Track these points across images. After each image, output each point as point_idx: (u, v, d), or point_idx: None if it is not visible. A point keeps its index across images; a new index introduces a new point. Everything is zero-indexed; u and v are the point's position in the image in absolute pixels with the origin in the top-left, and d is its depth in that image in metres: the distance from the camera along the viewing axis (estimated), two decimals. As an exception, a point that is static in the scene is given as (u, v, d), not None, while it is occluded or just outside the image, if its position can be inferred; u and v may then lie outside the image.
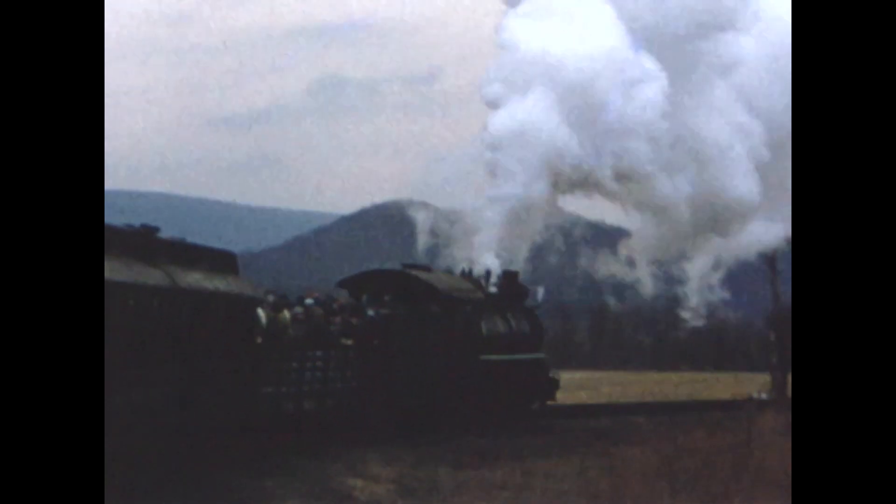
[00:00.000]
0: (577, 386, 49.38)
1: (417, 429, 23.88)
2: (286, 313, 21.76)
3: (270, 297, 21.76)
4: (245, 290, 19.29)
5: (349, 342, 23.64)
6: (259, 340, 20.05)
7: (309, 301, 23.42)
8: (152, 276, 15.74)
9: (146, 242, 16.48)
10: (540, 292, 31.86)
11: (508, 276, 30.56)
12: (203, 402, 17.02)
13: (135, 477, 14.58)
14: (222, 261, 19.29)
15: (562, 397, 32.21)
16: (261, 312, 20.45)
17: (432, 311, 26.63)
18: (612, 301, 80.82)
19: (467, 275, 29.95)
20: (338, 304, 24.86)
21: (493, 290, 29.97)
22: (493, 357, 27.97)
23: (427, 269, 28.78)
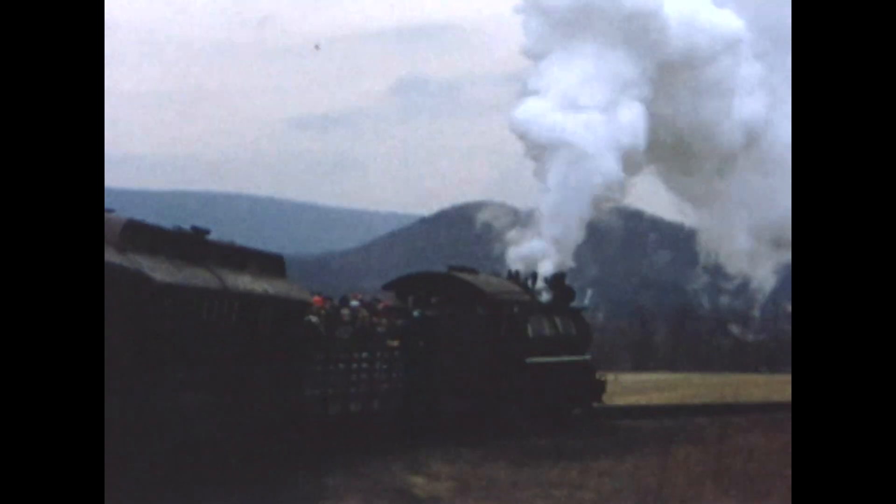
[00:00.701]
0: (653, 388, 49.38)
1: (463, 432, 23.88)
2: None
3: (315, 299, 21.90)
4: (293, 293, 19.38)
5: (395, 343, 23.69)
6: (311, 341, 20.20)
7: (354, 303, 23.49)
8: (202, 278, 15.85)
9: (196, 245, 16.59)
10: (588, 294, 31.78)
11: (556, 279, 30.49)
12: (252, 404, 17.12)
13: (192, 475, 14.70)
14: (270, 263, 19.39)
15: (635, 399, 32.18)
16: (312, 318, 20.56)
17: (477, 314, 26.63)
18: (694, 302, 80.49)
19: (514, 277, 29.92)
20: (383, 305, 24.92)
21: (540, 292, 29.93)
22: (539, 359, 27.91)
23: (473, 271, 28.77)
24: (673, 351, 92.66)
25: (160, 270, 14.61)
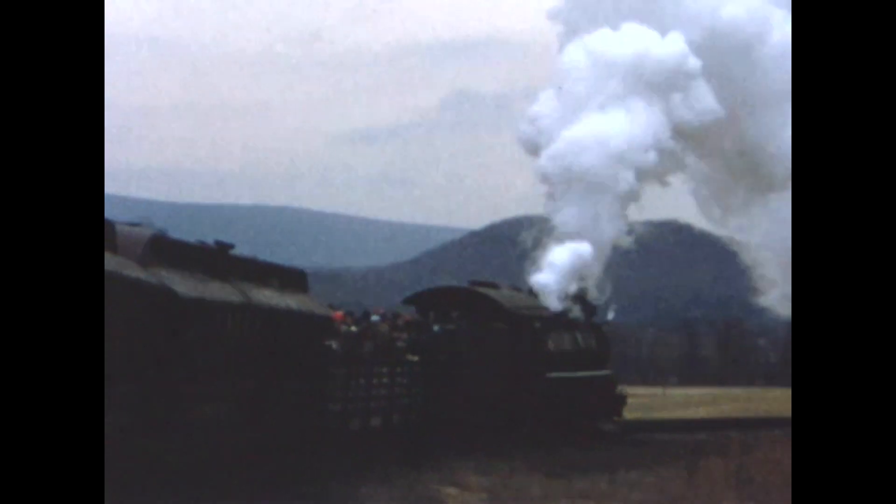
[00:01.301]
0: (696, 402, 49.38)
1: (483, 445, 23.91)
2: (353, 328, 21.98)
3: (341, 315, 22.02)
4: (315, 309, 19.50)
5: (415, 358, 23.76)
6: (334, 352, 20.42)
7: (375, 318, 23.58)
8: (226, 293, 15.98)
9: (220, 259, 16.73)
10: (611, 310, 31.80)
11: (577, 295, 30.53)
12: (274, 416, 17.23)
13: (217, 486, 14.80)
14: (292, 278, 19.52)
15: (679, 413, 32.14)
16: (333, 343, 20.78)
17: (498, 328, 26.68)
18: (741, 317, 79.95)
19: (534, 292, 29.97)
20: (403, 320, 25.01)
21: (558, 307, 29.96)
22: (560, 374, 27.93)
23: (494, 286, 28.84)
24: (720, 365, 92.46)
25: (184, 285, 14.74)
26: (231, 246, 17.16)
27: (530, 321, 27.76)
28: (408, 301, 28.23)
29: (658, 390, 62.29)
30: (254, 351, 16.60)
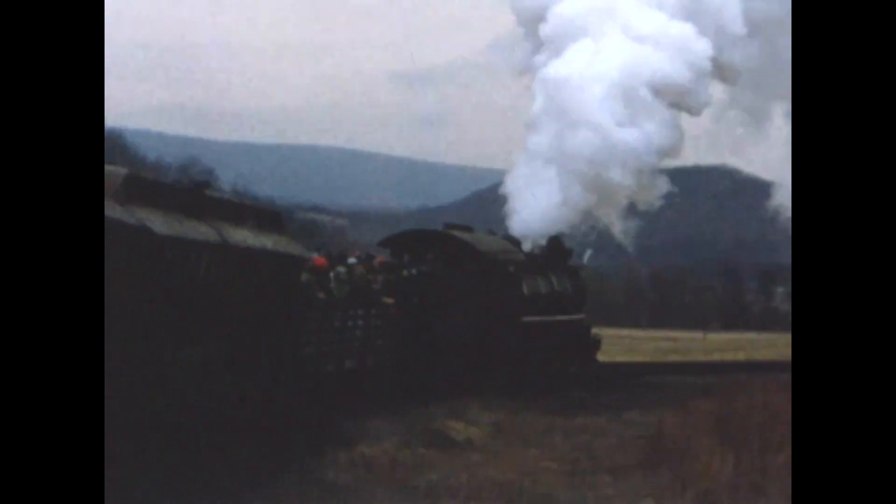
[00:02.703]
0: (735, 347, 50.13)
1: (458, 389, 23.91)
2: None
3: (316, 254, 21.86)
4: (292, 250, 19.27)
5: (390, 301, 23.63)
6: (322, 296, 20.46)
7: (352, 260, 23.39)
8: (203, 232, 15.72)
9: (196, 198, 16.44)
10: (587, 254, 31.77)
11: (552, 239, 30.46)
12: (252, 359, 17.11)
13: (201, 429, 14.68)
14: (269, 218, 19.25)
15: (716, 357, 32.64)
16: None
17: (472, 271, 26.60)
18: (784, 262, 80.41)
19: (510, 235, 29.89)
20: (379, 262, 24.84)
21: (534, 251, 29.89)
22: (534, 318, 27.94)
23: (468, 229, 28.72)
24: (763, 311, 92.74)
25: (161, 223, 14.47)
26: (207, 184, 16.88)
27: (504, 265, 27.69)
28: (383, 244, 28.08)
29: (699, 334, 62.87)
30: (230, 291, 16.38)
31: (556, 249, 30.32)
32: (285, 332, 18.73)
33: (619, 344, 58.06)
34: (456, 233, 27.90)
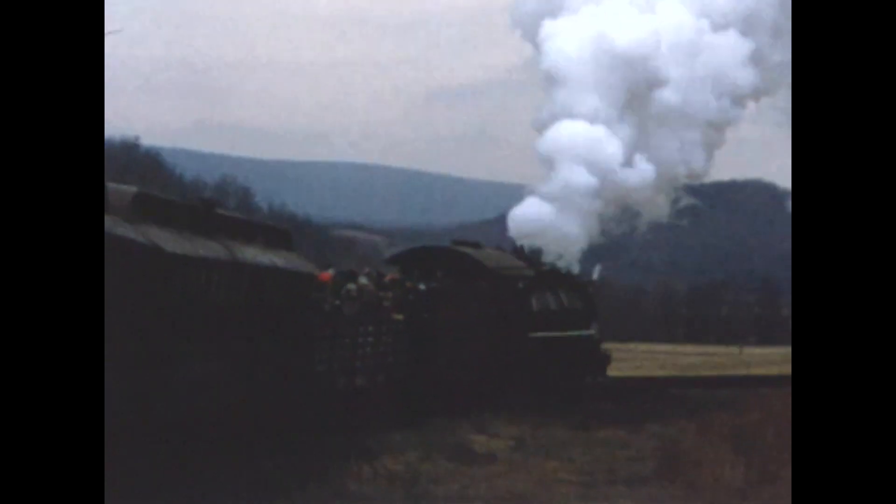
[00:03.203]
0: (769, 362, 50.33)
1: (465, 404, 23.90)
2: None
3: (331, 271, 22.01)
4: (300, 266, 19.35)
5: (400, 317, 23.65)
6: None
7: (362, 279, 23.43)
8: (213, 250, 15.79)
9: (205, 216, 16.52)
10: (596, 270, 31.84)
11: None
12: (263, 376, 17.15)
13: (208, 448, 14.69)
14: (277, 236, 19.34)
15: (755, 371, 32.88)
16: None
17: (481, 287, 26.62)
18: None
19: (518, 251, 29.94)
20: (389, 278, 24.89)
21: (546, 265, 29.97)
22: (543, 334, 27.93)
23: (477, 245, 28.77)
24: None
25: (170, 241, 14.54)
26: (217, 203, 16.96)
27: (513, 281, 27.72)
28: (392, 260, 28.13)
29: (735, 349, 62.74)
30: (240, 309, 16.43)
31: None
32: (296, 349, 18.77)
33: (654, 359, 58.51)
34: (464, 249, 27.95)
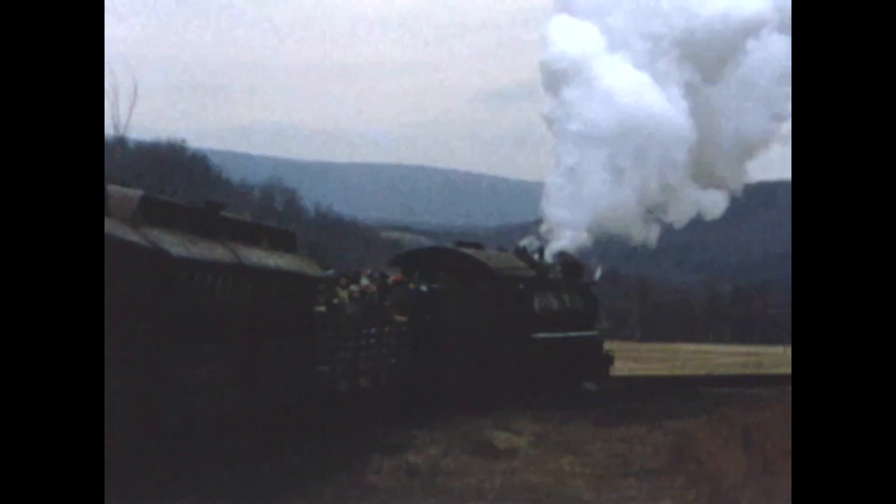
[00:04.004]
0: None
1: (468, 405, 24.00)
2: (343, 292, 21.98)
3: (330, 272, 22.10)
4: (305, 269, 19.45)
5: (402, 318, 23.74)
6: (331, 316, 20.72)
7: (364, 281, 23.53)
8: (217, 253, 15.90)
9: (210, 220, 16.62)
10: (598, 271, 31.95)
11: (563, 255, 30.63)
12: (267, 378, 17.25)
13: (215, 449, 14.80)
14: (281, 238, 19.44)
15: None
16: (340, 292, 21.26)
17: (483, 289, 26.70)
18: None
19: (521, 252, 30.02)
20: (393, 280, 24.99)
21: (549, 267, 30.06)
22: (546, 335, 28.02)
23: (479, 247, 28.86)
24: None
25: (176, 245, 14.65)
26: (222, 206, 17.05)
27: (515, 282, 27.81)
28: (394, 262, 28.23)
29: (779, 349, 63.18)
30: (245, 311, 16.54)
31: (568, 266, 30.45)
32: (300, 351, 18.87)
33: (697, 359, 59.07)
34: (466, 250, 28.04)
